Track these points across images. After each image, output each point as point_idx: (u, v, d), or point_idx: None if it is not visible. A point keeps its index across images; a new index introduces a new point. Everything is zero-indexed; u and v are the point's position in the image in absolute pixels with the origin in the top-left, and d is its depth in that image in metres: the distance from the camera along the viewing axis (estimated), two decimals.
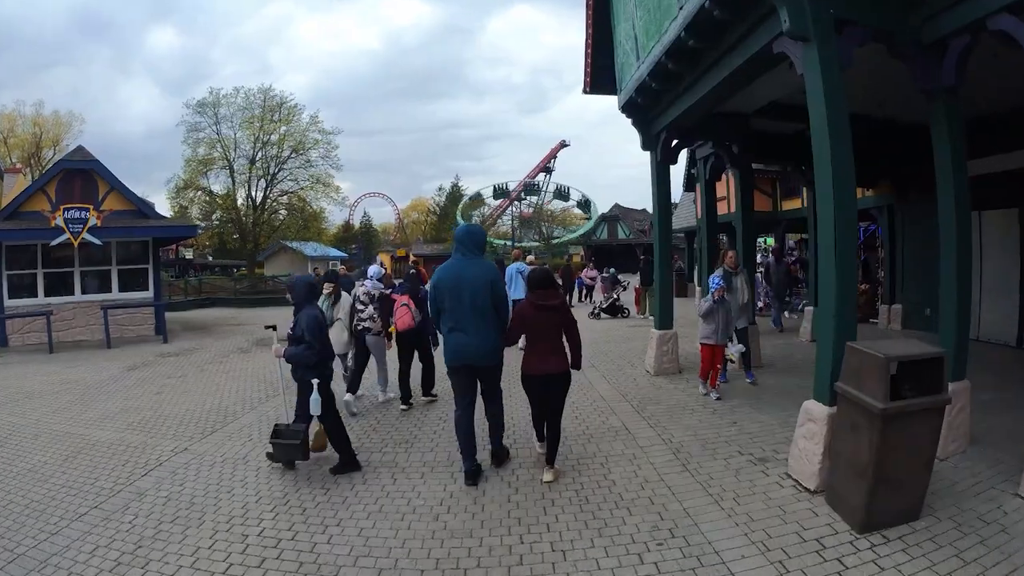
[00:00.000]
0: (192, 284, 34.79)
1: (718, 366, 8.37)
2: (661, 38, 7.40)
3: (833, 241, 4.98)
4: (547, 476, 5.50)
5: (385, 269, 9.08)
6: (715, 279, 8.27)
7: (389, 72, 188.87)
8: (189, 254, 66.00)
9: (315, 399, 5.69)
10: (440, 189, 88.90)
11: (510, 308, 5.91)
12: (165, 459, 6.48)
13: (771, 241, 22.41)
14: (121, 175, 18.13)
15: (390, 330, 8.35)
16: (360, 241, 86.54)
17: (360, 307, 8.22)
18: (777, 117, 10.21)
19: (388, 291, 8.38)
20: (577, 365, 5.74)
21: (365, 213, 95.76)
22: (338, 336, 8.10)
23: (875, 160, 13.47)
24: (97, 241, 16.29)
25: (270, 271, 39.50)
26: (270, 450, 6.00)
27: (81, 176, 17.58)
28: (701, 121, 9.44)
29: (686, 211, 28.21)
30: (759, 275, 17.47)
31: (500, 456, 5.91)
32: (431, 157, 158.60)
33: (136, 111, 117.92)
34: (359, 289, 8.40)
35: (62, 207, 16.21)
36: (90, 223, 16.15)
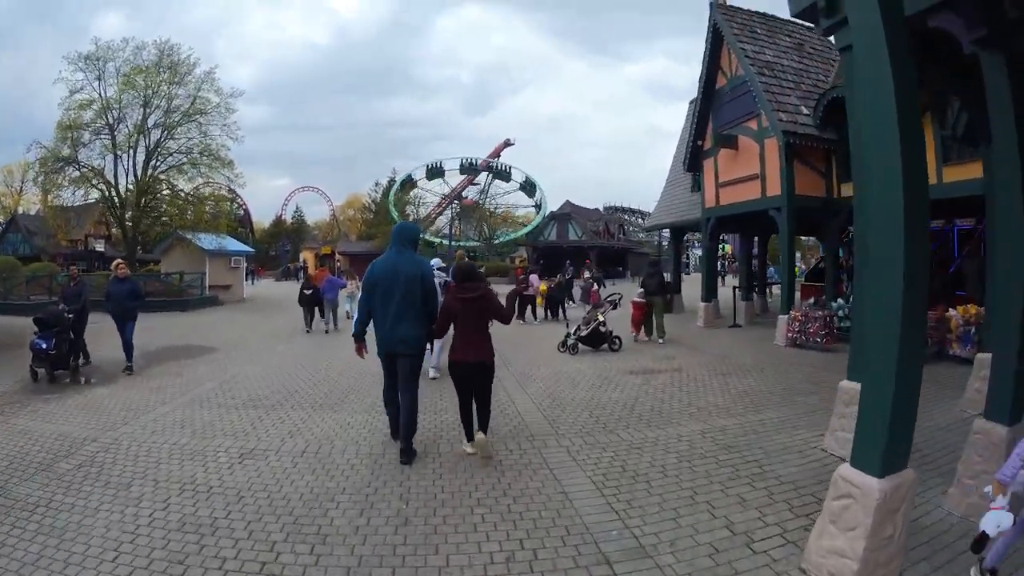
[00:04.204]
0: (60, 282, 27.12)
1: None
2: None
3: None
4: (479, 437, 5.71)
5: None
6: None
7: (335, 68, 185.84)
8: (100, 246, 57.42)
9: None
10: (376, 185, 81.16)
11: (439, 300, 6.15)
12: None
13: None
14: None
15: None
16: (285, 239, 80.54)
17: None
18: None
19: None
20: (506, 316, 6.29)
21: (297, 208, 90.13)
22: None
23: None
24: None
25: (168, 266, 31.67)
26: None
27: None
28: None
29: (677, 199, 22.05)
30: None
31: (408, 455, 5.74)
32: (375, 155, 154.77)
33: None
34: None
35: None
36: None
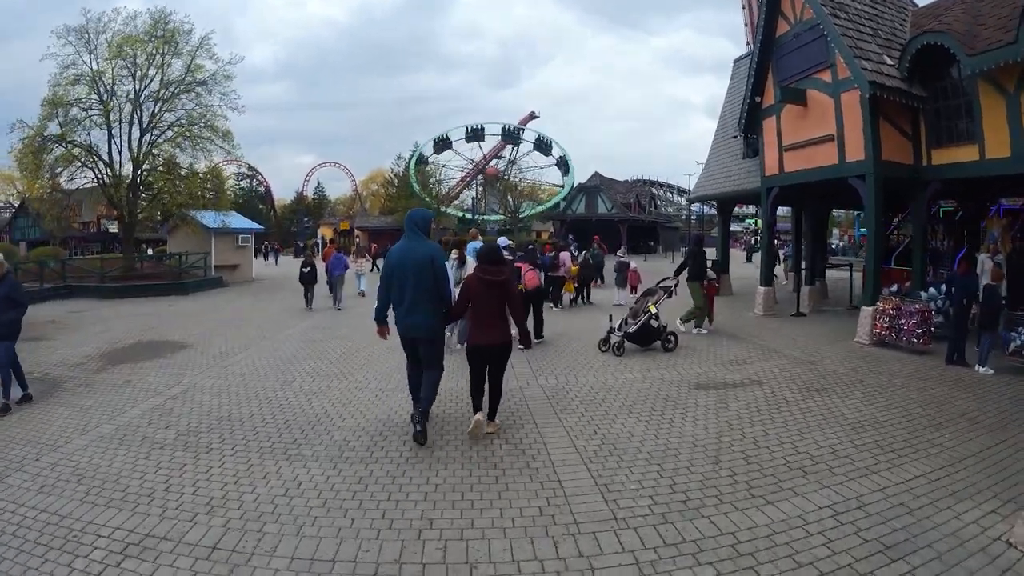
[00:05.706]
0: (52, 268, 25.31)
1: None
2: None
3: None
4: (489, 428, 5.89)
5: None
6: None
7: (357, 45, 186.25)
8: (114, 227, 55.76)
9: None
10: (399, 158, 78.20)
11: (451, 283, 6.18)
12: None
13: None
14: None
15: (520, 287, 9.62)
16: (305, 215, 79.29)
17: None
18: None
19: (512, 259, 10.38)
20: (526, 342, 6.42)
21: (319, 184, 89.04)
22: None
23: None
24: None
25: (175, 247, 30.11)
26: None
27: None
28: None
29: (725, 167, 19.66)
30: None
31: (422, 429, 5.71)
32: (399, 130, 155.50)
33: None
34: None
35: None
36: None
